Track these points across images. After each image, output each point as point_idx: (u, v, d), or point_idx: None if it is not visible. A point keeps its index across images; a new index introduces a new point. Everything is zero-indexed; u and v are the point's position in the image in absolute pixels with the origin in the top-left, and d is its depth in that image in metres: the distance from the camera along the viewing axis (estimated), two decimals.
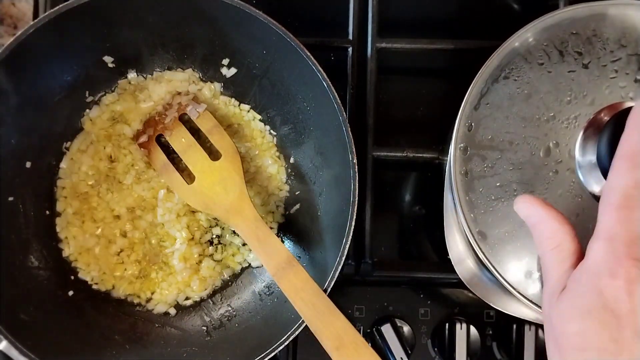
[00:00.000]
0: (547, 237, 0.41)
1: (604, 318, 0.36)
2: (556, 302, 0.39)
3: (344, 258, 0.51)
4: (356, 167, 0.52)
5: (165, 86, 0.62)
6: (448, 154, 0.50)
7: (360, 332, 0.63)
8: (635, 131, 0.38)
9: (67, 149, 0.61)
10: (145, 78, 0.63)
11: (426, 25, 0.72)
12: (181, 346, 0.59)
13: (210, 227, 0.63)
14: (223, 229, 0.63)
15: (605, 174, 0.43)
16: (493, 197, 0.48)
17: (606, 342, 0.36)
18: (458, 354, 0.61)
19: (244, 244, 0.63)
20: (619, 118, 0.43)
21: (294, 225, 0.63)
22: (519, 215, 0.44)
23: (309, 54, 0.53)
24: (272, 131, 0.64)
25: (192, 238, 0.62)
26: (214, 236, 0.63)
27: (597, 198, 0.46)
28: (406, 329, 0.63)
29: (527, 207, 0.43)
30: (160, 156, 0.61)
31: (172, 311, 0.62)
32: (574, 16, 0.48)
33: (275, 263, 0.53)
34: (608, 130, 0.43)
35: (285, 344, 0.51)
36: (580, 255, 0.40)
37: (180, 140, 0.61)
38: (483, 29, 0.65)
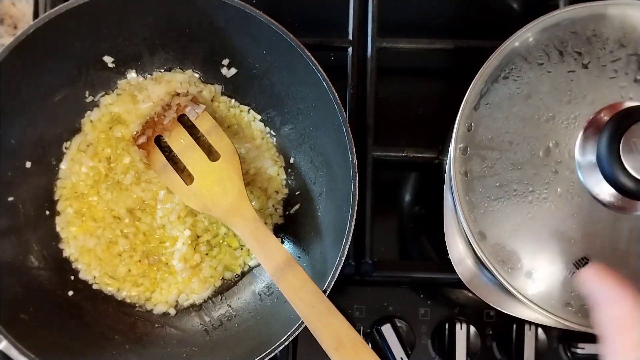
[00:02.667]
0: (618, 318, 0.36)
1: None
2: None
3: (344, 258, 0.51)
4: (356, 167, 0.51)
5: (164, 87, 0.62)
6: (448, 154, 0.50)
7: (360, 332, 0.63)
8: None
9: (67, 149, 0.61)
10: (145, 78, 0.63)
11: (426, 25, 0.72)
12: (181, 346, 0.59)
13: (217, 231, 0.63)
14: (228, 230, 0.63)
15: (605, 174, 0.43)
16: (493, 197, 0.48)
17: None
18: (458, 354, 0.61)
19: (244, 246, 0.63)
20: (619, 118, 0.43)
21: (293, 226, 0.63)
22: (580, 290, 0.39)
23: (309, 54, 0.53)
24: (272, 132, 0.64)
25: (197, 238, 0.62)
26: (222, 236, 0.63)
27: (596, 198, 0.46)
28: (406, 329, 0.63)
29: (596, 282, 0.38)
30: (159, 157, 0.61)
31: (172, 311, 0.62)
32: (574, 16, 0.48)
33: (274, 263, 0.53)
34: (608, 130, 0.43)
35: (285, 344, 0.51)
36: None
37: (179, 141, 0.61)
38: (483, 29, 0.65)
